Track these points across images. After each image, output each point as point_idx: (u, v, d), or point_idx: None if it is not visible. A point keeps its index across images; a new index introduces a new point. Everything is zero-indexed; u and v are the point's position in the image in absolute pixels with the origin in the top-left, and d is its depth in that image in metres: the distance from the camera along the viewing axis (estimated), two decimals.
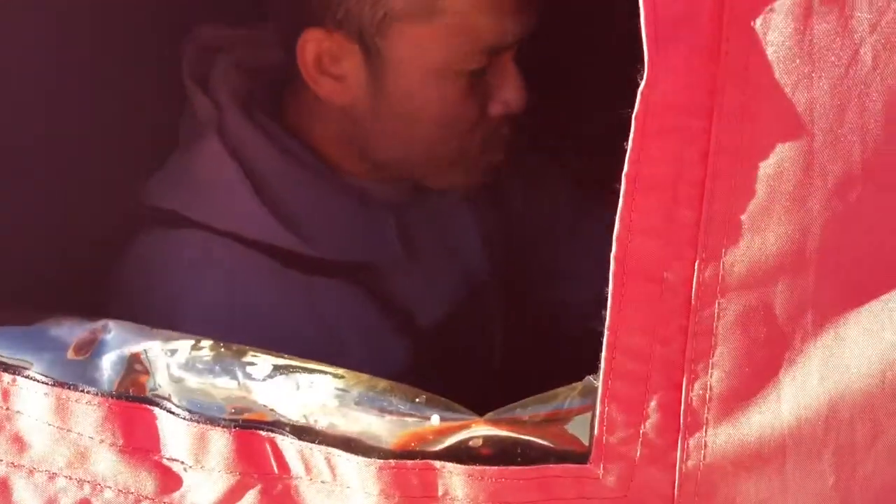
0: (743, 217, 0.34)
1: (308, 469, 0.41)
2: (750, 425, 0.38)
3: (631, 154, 0.33)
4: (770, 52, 0.30)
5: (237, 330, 0.53)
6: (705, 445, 0.38)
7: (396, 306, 0.68)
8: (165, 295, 0.61)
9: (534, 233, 0.81)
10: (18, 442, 0.42)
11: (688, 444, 0.38)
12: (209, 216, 0.62)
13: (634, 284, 0.36)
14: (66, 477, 0.42)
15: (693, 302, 0.36)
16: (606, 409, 0.38)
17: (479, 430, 0.39)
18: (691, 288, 0.35)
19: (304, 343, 0.51)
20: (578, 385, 0.40)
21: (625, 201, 0.34)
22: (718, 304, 0.36)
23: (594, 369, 0.39)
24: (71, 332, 0.44)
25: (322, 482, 0.41)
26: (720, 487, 0.39)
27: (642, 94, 0.31)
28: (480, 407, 0.42)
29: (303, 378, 0.41)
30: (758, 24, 0.30)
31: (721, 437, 0.38)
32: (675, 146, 0.33)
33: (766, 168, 0.32)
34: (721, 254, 0.34)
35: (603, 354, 0.37)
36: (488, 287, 0.77)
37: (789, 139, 0.32)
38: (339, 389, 0.41)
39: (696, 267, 0.35)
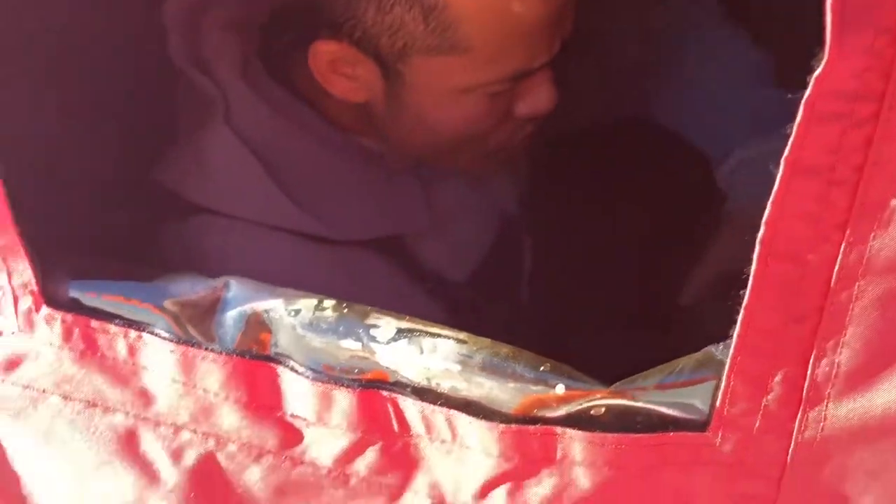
0: None
1: (429, 429, 0.42)
2: (873, 401, 0.38)
3: (795, 138, 0.33)
4: None
5: None
6: (825, 418, 0.39)
7: (427, 271, 0.67)
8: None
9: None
10: (144, 396, 0.43)
11: (808, 416, 0.39)
12: (229, 206, 0.59)
13: (777, 265, 0.36)
14: (191, 430, 0.43)
15: (833, 284, 0.36)
16: (732, 382, 0.39)
17: (603, 399, 0.41)
18: (833, 270, 0.36)
19: None
20: (698, 355, 0.41)
21: (781, 184, 0.34)
22: (858, 286, 0.36)
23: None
24: (192, 288, 0.44)
25: (441, 442, 0.43)
26: (834, 457, 0.40)
27: (817, 78, 0.31)
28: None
29: (426, 342, 0.42)
30: None
31: (842, 411, 0.39)
32: (841, 132, 0.33)
33: None
34: (869, 238, 0.35)
35: (736, 331, 0.38)
36: (519, 222, 0.75)
37: None
38: (462, 354, 0.42)
39: (841, 250, 0.35)
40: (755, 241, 0.37)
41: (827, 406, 0.39)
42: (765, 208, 0.36)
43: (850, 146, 0.33)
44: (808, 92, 0.32)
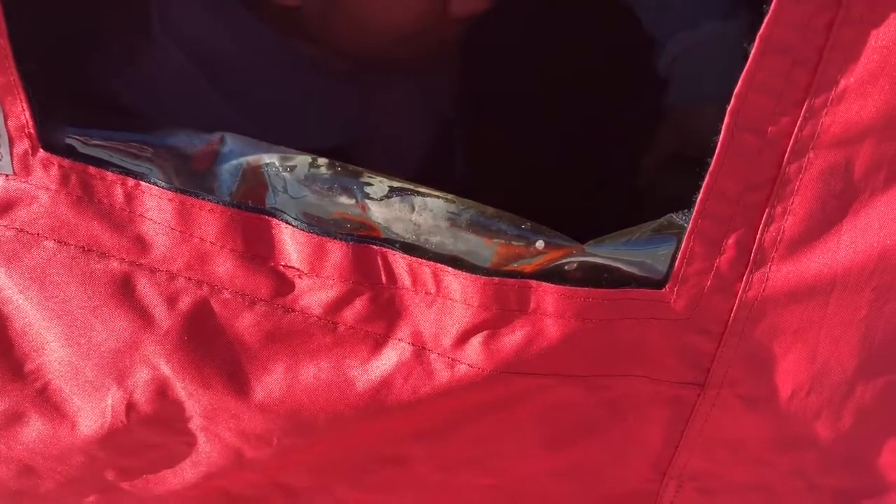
0: (850, 82, 0.38)
1: (415, 281, 0.46)
2: (809, 264, 0.44)
3: (769, 17, 0.37)
4: None
5: None
6: (767, 279, 0.45)
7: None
8: None
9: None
10: (140, 242, 0.45)
11: (753, 277, 0.45)
12: (171, 114, 0.53)
13: (741, 137, 0.40)
14: (185, 277, 0.45)
15: (787, 156, 0.41)
16: (691, 243, 0.44)
17: (577, 256, 0.45)
18: (789, 143, 0.41)
19: None
20: (661, 220, 0.46)
21: (753, 60, 0.38)
22: (808, 158, 0.41)
23: None
24: (189, 141, 0.45)
25: (426, 293, 0.46)
26: (769, 315, 0.46)
27: None
28: None
29: (417, 200, 0.45)
30: None
31: (782, 273, 0.44)
32: (807, 13, 0.37)
33: (882, 40, 0.37)
34: (822, 114, 0.39)
35: (699, 196, 0.42)
36: (452, 139, 0.77)
37: None
38: (450, 212, 0.45)
39: (797, 124, 0.40)
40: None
41: (770, 268, 0.45)
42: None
43: (815, 27, 0.37)
44: None
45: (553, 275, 0.45)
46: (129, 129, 0.45)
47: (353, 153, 0.68)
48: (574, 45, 0.82)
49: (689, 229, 0.43)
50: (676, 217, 0.45)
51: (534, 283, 0.45)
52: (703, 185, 0.42)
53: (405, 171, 0.75)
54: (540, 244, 0.44)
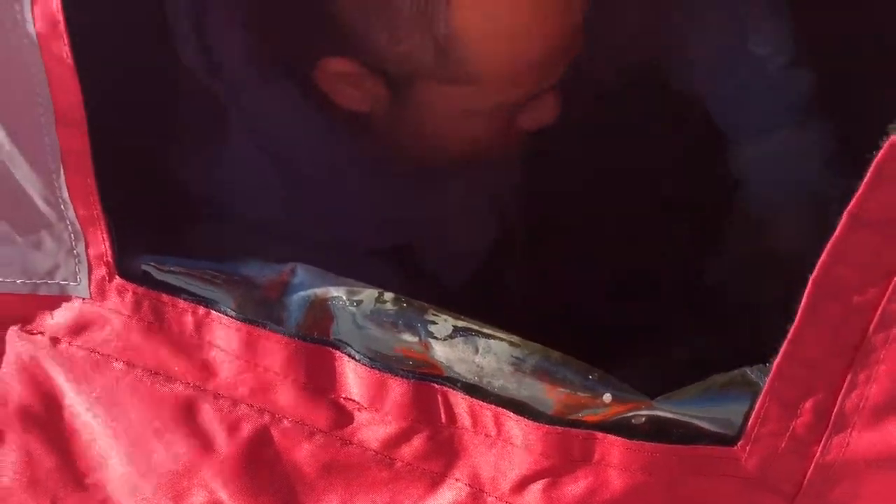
0: None
1: (475, 423, 0.45)
2: (892, 434, 0.42)
3: (861, 192, 0.35)
4: None
5: None
6: (848, 444, 0.42)
7: (425, 275, 0.68)
8: None
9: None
10: (206, 369, 0.45)
11: (831, 441, 0.43)
12: (242, 208, 0.59)
13: (825, 305, 0.39)
14: (248, 405, 0.46)
15: (873, 326, 0.39)
16: (766, 405, 0.42)
17: (645, 410, 0.43)
18: (875, 313, 0.39)
19: None
20: (734, 374, 0.44)
21: (840, 233, 0.37)
22: (894, 330, 0.39)
23: None
24: (261, 271, 0.46)
25: (486, 435, 0.45)
26: (847, 480, 0.44)
27: (892, 141, 0.34)
28: None
29: (481, 342, 0.44)
30: None
31: (864, 440, 0.42)
32: None
33: None
34: None
35: (777, 360, 0.41)
36: (513, 223, 0.77)
37: None
38: (514, 357, 0.44)
39: (886, 297, 0.38)
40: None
41: (851, 434, 0.42)
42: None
43: None
44: (880, 153, 0.34)
45: (620, 427, 0.44)
46: (203, 256, 0.46)
47: (415, 251, 0.69)
48: (641, 145, 0.81)
49: (764, 390, 0.42)
50: (750, 372, 0.44)
51: (599, 434, 0.44)
52: (783, 348, 0.40)
53: (465, 268, 0.76)
54: (607, 397, 0.43)
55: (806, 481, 0.44)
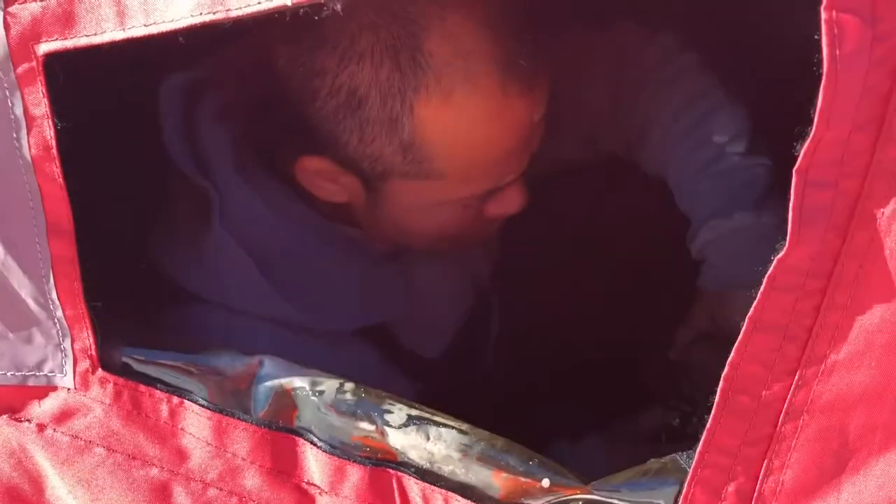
0: (838, 358, 0.41)
1: None
2: None
3: (757, 303, 0.40)
4: (888, 241, 0.37)
5: None
6: None
7: (403, 351, 0.72)
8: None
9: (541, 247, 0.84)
10: (180, 454, 0.49)
11: None
12: (227, 298, 0.63)
13: (736, 399, 0.43)
14: (217, 488, 0.49)
15: (781, 417, 0.43)
16: (692, 490, 0.45)
17: (582, 496, 0.47)
18: (783, 406, 0.43)
19: None
20: (665, 461, 0.48)
21: (744, 336, 0.41)
22: (802, 420, 0.43)
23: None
24: (231, 363, 0.50)
25: None
26: None
27: (779, 259, 0.38)
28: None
29: (433, 430, 0.48)
30: (884, 216, 0.37)
31: None
32: (794, 299, 0.40)
33: (867, 324, 0.39)
34: (813, 384, 0.42)
35: (699, 448, 0.44)
36: (489, 295, 0.81)
37: (891, 307, 0.39)
38: (462, 444, 0.48)
39: (790, 391, 0.42)
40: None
41: None
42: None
43: (803, 312, 0.40)
44: (770, 268, 0.39)
45: None
46: (179, 350, 0.50)
47: (395, 328, 0.73)
48: (608, 227, 0.86)
49: (689, 477, 0.45)
50: (680, 459, 0.47)
51: None
52: (703, 438, 0.44)
53: (441, 341, 0.79)
54: (546, 482, 0.46)
55: None
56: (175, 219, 0.66)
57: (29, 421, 0.49)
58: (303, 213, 0.66)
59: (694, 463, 0.45)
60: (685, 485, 0.45)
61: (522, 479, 0.47)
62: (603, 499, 0.47)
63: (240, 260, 0.63)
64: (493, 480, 0.48)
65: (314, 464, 0.49)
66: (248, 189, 0.64)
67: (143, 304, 0.55)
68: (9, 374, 0.49)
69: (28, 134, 0.42)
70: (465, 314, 0.78)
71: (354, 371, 0.54)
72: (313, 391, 0.49)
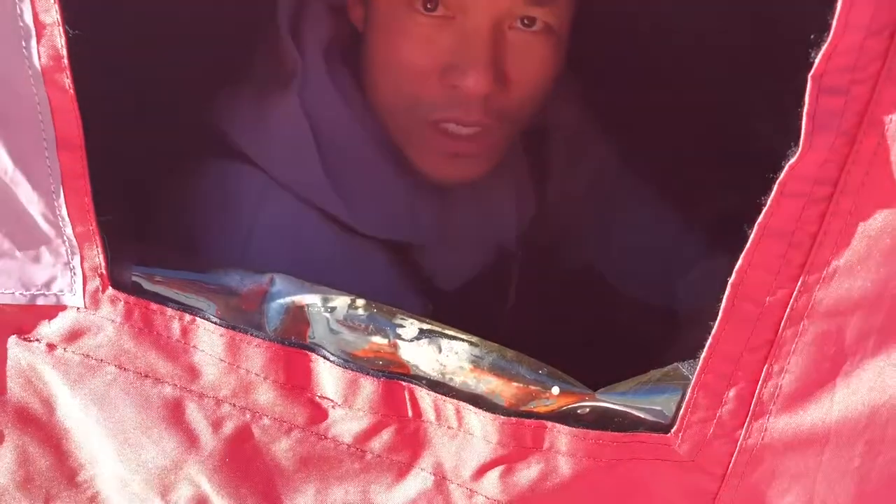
0: (839, 264, 0.42)
1: (438, 416, 0.50)
2: (805, 417, 0.47)
3: (767, 209, 0.41)
4: (894, 147, 0.39)
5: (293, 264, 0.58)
6: (765, 429, 0.48)
7: (421, 274, 0.73)
8: (232, 222, 0.65)
9: (570, 206, 0.89)
10: (192, 371, 0.49)
11: (752, 426, 0.48)
12: (274, 167, 0.65)
13: (742, 305, 0.44)
14: (230, 404, 0.50)
15: (783, 323, 0.45)
16: (695, 395, 0.48)
17: (589, 402, 0.49)
18: (784, 312, 0.44)
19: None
20: (667, 369, 0.50)
21: (752, 242, 0.42)
22: (802, 325, 0.45)
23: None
24: (241, 281, 0.50)
25: (448, 428, 0.50)
26: (767, 461, 0.49)
27: (790, 167, 0.40)
28: None
29: (444, 342, 0.49)
30: (891, 122, 0.38)
31: (780, 424, 0.48)
32: (801, 206, 0.41)
33: (869, 230, 0.41)
34: (815, 289, 0.43)
35: (703, 355, 0.46)
36: (512, 258, 0.83)
37: (893, 213, 0.40)
38: (474, 355, 0.49)
39: (792, 297, 0.44)
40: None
41: (768, 419, 0.48)
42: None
43: (808, 218, 0.42)
44: (781, 175, 0.40)
45: (567, 417, 0.49)
46: (189, 268, 0.50)
47: (417, 250, 0.73)
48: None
49: (693, 383, 0.47)
50: (682, 367, 0.49)
51: (549, 423, 0.49)
52: (708, 344, 0.46)
53: (456, 279, 0.81)
54: (555, 390, 0.48)
55: (732, 463, 0.50)
56: (243, 82, 0.68)
57: (38, 340, 0.49)
58: (367, 117, 0.68)
59: (698, 369, 0.47)
60: (688, 390, 0.47)
61: (532, 388, 0.49)
62: (608, 404, 0.49)
63: (303, 135, 0.65)
64: (503, 391, 0.49)
65: (327, 378, 0.50)
66: (329, 77, 0.66)
67: (152, 224, 0.55)
68: (17, 293, 0.48)
69: (38, 42, 0.41)
70: (482, 266, 0.80)
71: (368, 278, 0.56)
72: (325, 307, 0.50)
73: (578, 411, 0.49)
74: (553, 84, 0.68)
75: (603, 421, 0.49)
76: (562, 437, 0.49)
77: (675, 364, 0.50)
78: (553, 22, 0.65)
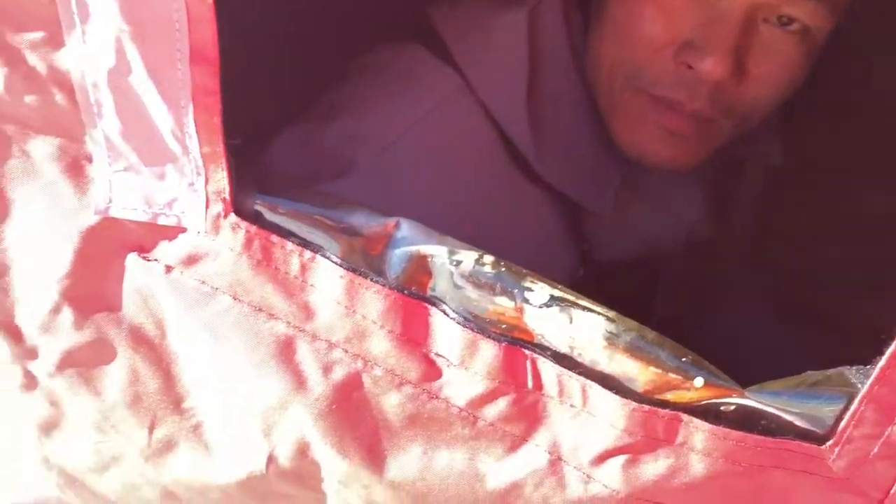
0: None
1: (561, 392, 0.46)
2: None
3: None
4: None
5: (437, 182, 0.55)
6: None
7: (581, 240, 0.71)
8: (404, 102, 0.62)
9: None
10: (307, 310, 0.47)
11: None
12: (478, 79, 0.62)
13: None
14: (343, 349, 0.47)
15: None
16: (862, 407, 0.41)
17: (736, 399, 0.43)
18: None
19: (478, 225, 0.54)
20: (831, 373, 0.44)
21: None
22: None
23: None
24: (367, 222, 0.47)
25: (571, 406, 0.46)
26: None
27: None
28: None
29: (576, 313, 0.45)
30: None
31: None
32: None
33: None
34: None
35: (881, 364, 0.40)
36: (674, 258, 0.77)
37: None
38: (609, 332, 0.44)
39: None
40: None
41: None
42: None
43: None
44: None
45: (707, 412, 0.44)
46: (314, 203, 0.48)
47: (585, 214, 0.69)
48: None
49: (863, 393, 0.41)
50: (849, 373, 0.43)
51: (685, 417, 0.44)
52: (888, 353, 0.39)
53: (617, 256, 0.76)
54: (699, 381, 0.43)
55: (895, 488, 0.43)
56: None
57: (157, 261, 0.48)
58: (578, 65, 0.65)
59: (871, 379, 0.40)
60: (856, 401, 0.41)
61: (672, 376, 0.43)
62: (759, 405, 0.43)
63: (518, 59, 0.63)
64: (638, 373, 0.44)
65: (445, 335, 0.46)
66: (561, 15, 0.64)
67: None
68: (140, 209, 0.47)
69: None
70: (641, 253, 0.75)
71: (532, 223, 0.52)
72: (451, 260, 0.46)
73: (721, 408, 0.44)
74: (790, 93, 0.62)
75: (747, 421, 0.44)
76: (699, 433, 0.44)
77: (841, 368, 0.43)
78: (813, 25, 0.60)
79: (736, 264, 0.77)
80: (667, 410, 0.44)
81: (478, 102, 0.62)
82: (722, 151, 0.68)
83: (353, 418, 0.48)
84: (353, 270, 0.46)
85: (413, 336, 0.47)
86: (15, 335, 0.52)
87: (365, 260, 0.47)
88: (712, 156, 0.67)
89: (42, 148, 0.47)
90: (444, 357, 0.47)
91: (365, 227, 0.47)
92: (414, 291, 0.46)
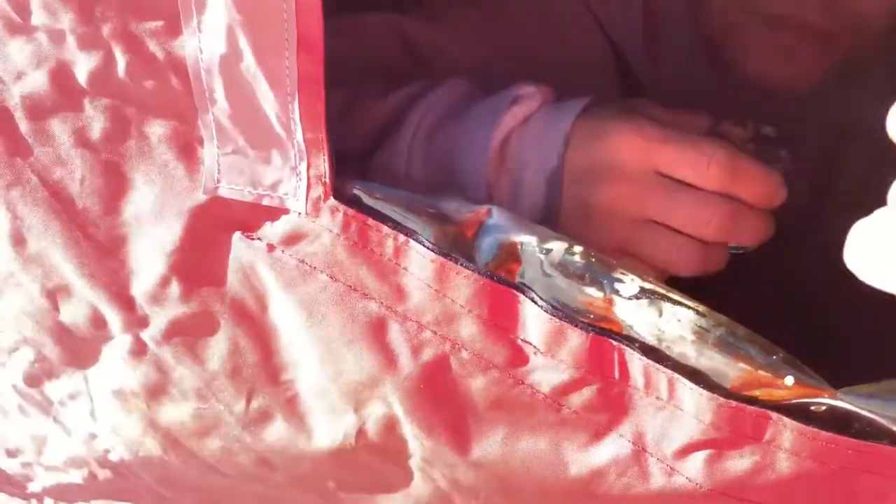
0: None
1: (648, 384, 0.46)
2: None
3: None
4: None
5: None
6: None
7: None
8: None
9: None
10: (399, 292, 0.49)
11: None
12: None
13: None
14: (432, 331, 0.49)
15: None
16: None
17: (827, 399, 0.42)
18: None
19: None
20: None
21: None
22: None
23: None
24: (459, 209, 0.48)
25: (657, 398, 0.46)
26: None
27: None
28: None
29: (666, 307, 0.45)
30: None
31: None
32: None
33: None
34: None
35: None
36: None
37: None
38: (699, 326, 0.44)
39: None
40: None
41: None
42: None
43: None
44: None
45: (797, 411, 0.43)
46: (408, 188, 0.49)
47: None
48: None
49: None
50: None
51: (774, 415, 0.43)
52: None
53: None
54: (790, 380, 0.42)
55: None
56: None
57: (260, 239, 0.50)
58: None
59: None
60: None
61: (762, 374, 0.43)
62: (852, 407, 0.42)
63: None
64: (726, 369, 0.44)
65: (533, 321, 0.47)
66: None
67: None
68: (245, 190, 0.49)
69: None
70: None
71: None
72: (540, 248, 0.47)
73: (812, 407, 0.43)
74: None
75: (838, 422, 0.43)
76: (787, 432, 0.43)
77: None
78: None
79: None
80: (755, 407, 0.43)
81: (592, 16, 0.62)
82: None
83: (441, 399, 0.49)
84: (445, 255, 0.47)
85: (501, 321, 0.48)
86: (129, 305, 0.55)
87: (456, 245, 0.48)
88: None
89: (158, 130, 0.50)
90: (530, 343, 0.47)
91: (457, 213, 0.48)
92: (503, 278, 0.47)
